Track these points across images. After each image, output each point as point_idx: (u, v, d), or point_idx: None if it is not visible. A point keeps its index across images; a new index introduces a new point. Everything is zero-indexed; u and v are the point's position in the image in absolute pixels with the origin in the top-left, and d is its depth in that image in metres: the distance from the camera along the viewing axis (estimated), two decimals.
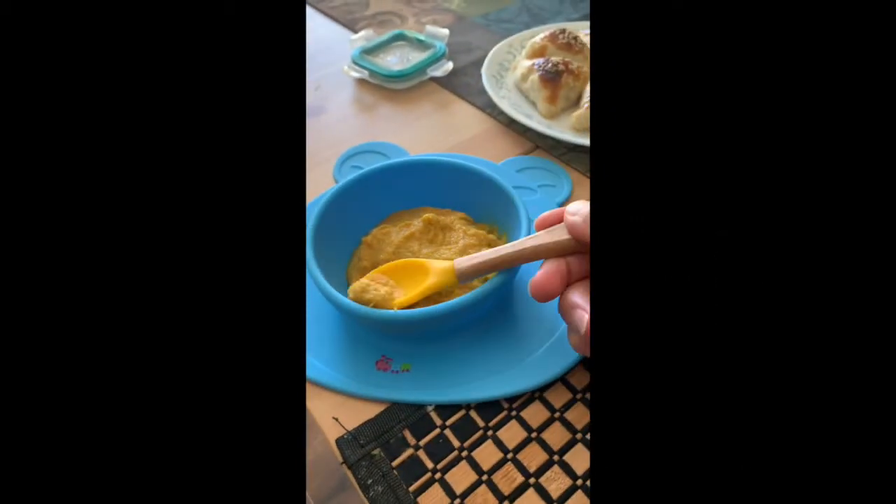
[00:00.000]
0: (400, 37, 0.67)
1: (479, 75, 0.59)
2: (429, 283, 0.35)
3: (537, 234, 0.33)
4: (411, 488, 0.30)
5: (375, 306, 0.34)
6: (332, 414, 0.34)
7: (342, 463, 0.32)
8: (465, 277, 0.34)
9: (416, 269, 0.36)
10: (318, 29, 0.75)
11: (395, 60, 0.64)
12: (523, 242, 0.33)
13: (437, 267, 0.35)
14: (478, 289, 0.33)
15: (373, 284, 0.35)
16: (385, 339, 0.37)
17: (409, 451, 0.32)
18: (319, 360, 0.36)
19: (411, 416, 0.33)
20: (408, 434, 0.32)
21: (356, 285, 0.35)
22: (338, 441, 0.32)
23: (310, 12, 0.78)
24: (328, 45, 0.71)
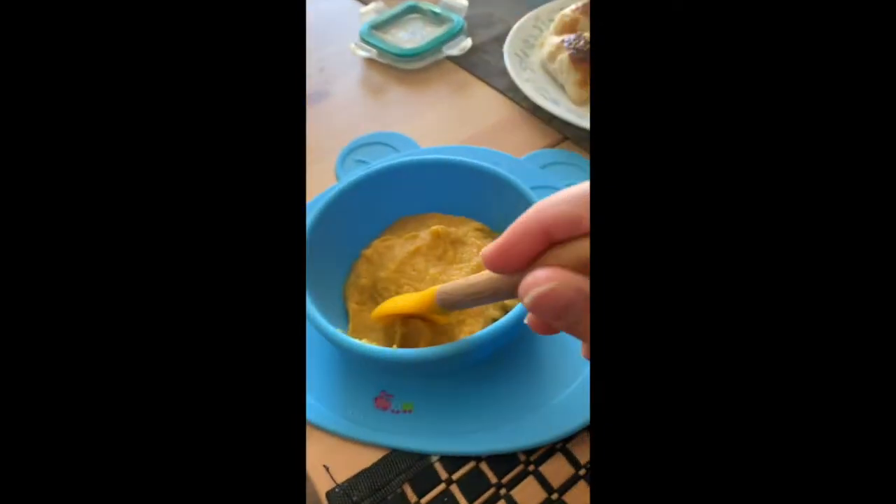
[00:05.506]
0: (413, 9, 0.61)
1: (501, 53, 0.53)
2: (402, 305, 0.30)
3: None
4: None
5: None
6: (322, 460, 0.29)
7: None
8: (450, 307, 0.27)
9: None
10: (322, 1, 0.68)
11: (407, 36, 0.58)
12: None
13: (416, 296, 0.29)
14: (490, 326, 0.28)
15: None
16: (385, 372, 0.32)
17: None
18: (310, 394, 0.32)
19: (412, 468, 0.29)
20: (408, 489, 0.28)
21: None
22: (328, 494, 0.28)
23: None
24: (333, 19, 0.65)
